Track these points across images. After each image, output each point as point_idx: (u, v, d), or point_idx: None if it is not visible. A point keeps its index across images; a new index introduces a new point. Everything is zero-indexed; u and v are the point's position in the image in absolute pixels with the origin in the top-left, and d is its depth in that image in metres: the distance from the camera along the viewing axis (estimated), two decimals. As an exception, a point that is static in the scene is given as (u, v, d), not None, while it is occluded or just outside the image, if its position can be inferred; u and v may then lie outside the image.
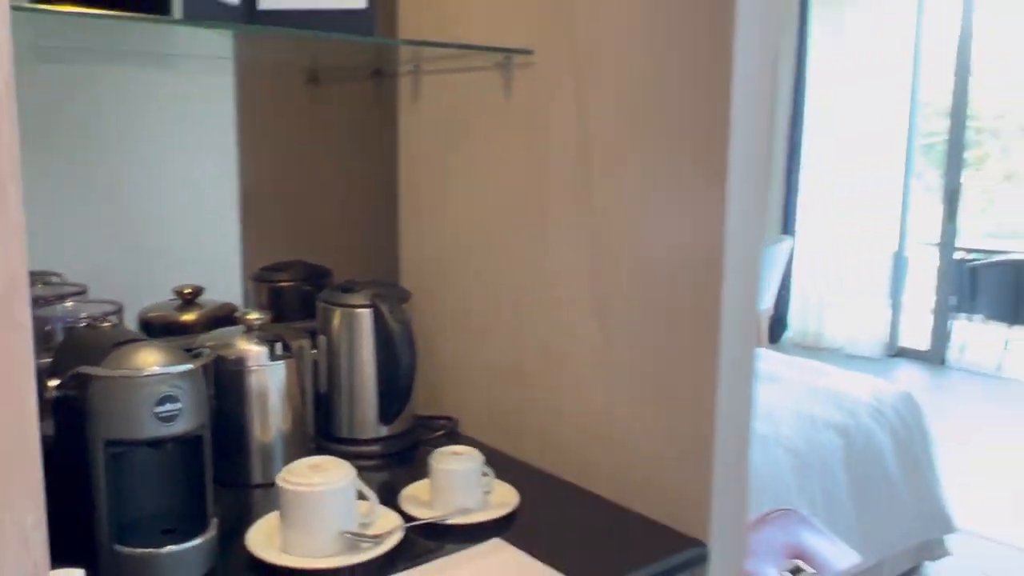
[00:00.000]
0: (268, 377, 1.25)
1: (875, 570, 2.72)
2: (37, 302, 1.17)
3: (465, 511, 1.13)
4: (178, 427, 0.96)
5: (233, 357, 1.23)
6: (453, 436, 1.45)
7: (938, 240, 5.97)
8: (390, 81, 1.59)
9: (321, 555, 1.00)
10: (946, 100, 5.76)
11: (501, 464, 1.22)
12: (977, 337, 6.02)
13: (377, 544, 1.03)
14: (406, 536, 1.06)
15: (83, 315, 1.17)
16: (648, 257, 1.15)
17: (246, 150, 1.49)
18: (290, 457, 1.17)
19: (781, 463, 2.49)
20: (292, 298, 1.50)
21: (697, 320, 1.09)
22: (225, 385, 1.23)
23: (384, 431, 1.38)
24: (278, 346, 1.26)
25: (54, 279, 1.25)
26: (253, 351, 1.24)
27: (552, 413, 1.31)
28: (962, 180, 5.80)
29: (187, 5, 1.00)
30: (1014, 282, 5.80)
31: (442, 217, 1.51)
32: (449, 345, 1.50)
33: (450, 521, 1.11)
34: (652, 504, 1.16)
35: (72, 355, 0.99)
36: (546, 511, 1.19)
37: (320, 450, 1.29)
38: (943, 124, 5.83)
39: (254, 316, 1.26)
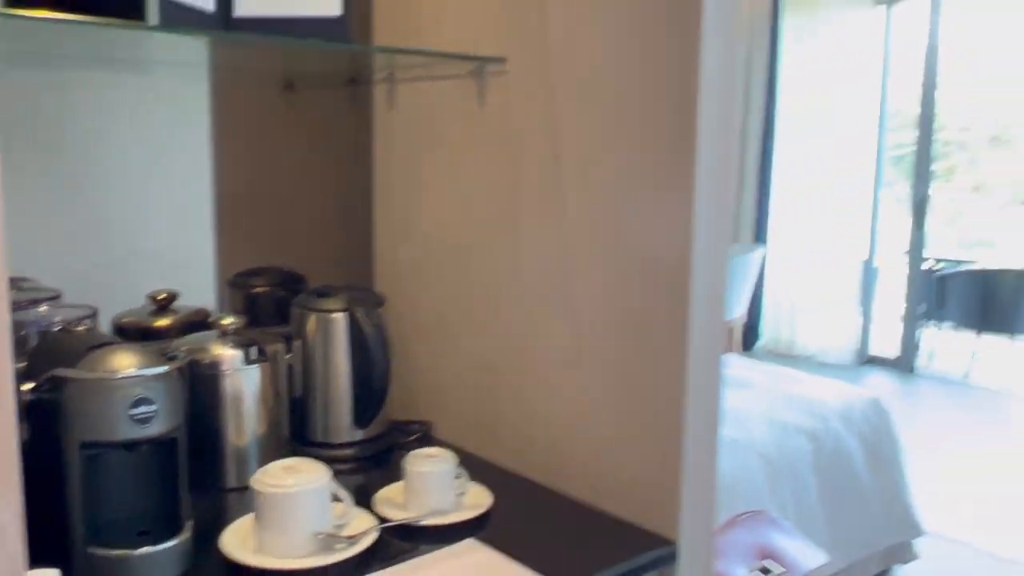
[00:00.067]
0: (243, 381, 1.26)
1: (845, 573, 2.76)
2: (11, 306, 1.17)
3: (439, 512, 1.14)
4: (153, 429, 0.97)
5: (208, 361, 1.24)
6: (427, 440, 1.46)
7: (907, 249, 6.06)
8: (365, 89, 1.60)
9: (295, 556, 1.01)
10: (915, 111, 5.85)
11: (475, 467, 1.23)
12: (945, 345, 6.11)
13: (351, 545, 1.04)
14: (380, 537, 1.07)
15: (57, 319, 1.17)
16: (618, 263, 1.17)
17: (221, 157, 1.50)
18: (265, 461, 1.17)
19: (753, 468, 2.52)
20: (267, 304, 1.50)
21: (665, 325, 1.11)
22: (200, 389, 1.23)
23: (359, 435, 1.39)
24: (253, 350, 1.26)
25: (26, 284, 1.25)
26: (228, 355, 1.25)
27: (525, 416, 1.33)
28: (931, 191, 5.90)
29: (163, 12, 1.01)
30: (982, 291, 5.90)
31: (416, 223, 1.53)
32: (423, 350, 1.52)
33: (424, 522, 1.12)
34: (622, 504, 1.18)
35: (46, 359, 1.00)
36: (519, 512, 1.21)
37: (295, 454, 1.29)
38: (912, 135, 5.93)
39: (229, 321, 1.27)
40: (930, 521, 3.10)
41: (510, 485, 1.28)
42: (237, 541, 1.04)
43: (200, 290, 1.48)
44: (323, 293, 1.39)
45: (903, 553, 3.04)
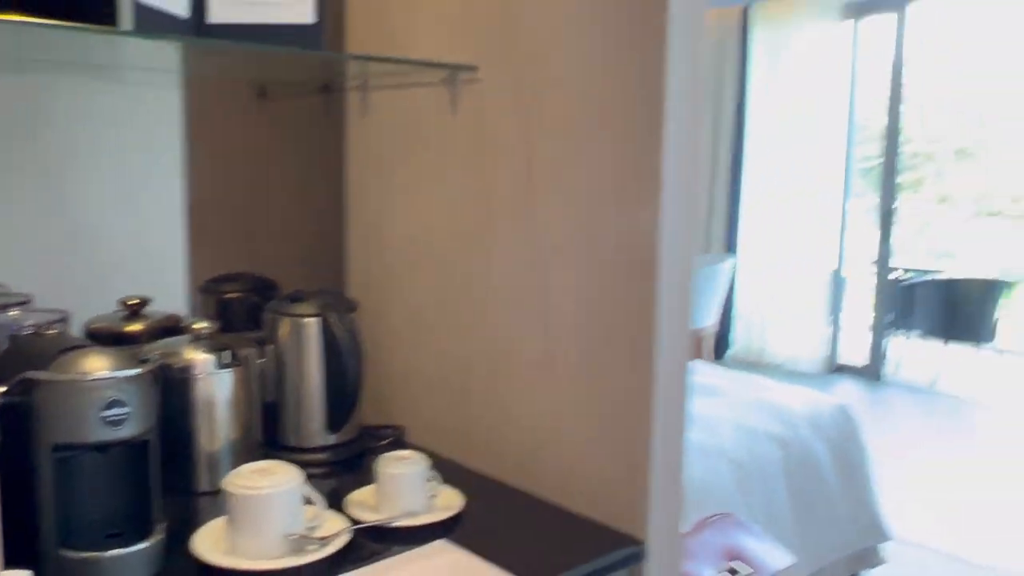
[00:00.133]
0: (215, 385, 1.26)
1: (814, 578, 2.79)
2: (-19, 310, 1.17)
3: (411, 514, 1.15)
4: (125, 431, 0.97)
5: (180, 365, 1.24)
6: (400, 444, 1.46)
7: (875, 260, 6.15)
8: (338, 96, 1.61)
9: (267, 557, 1.02)
10: (883, 124, 5.95)
11: (447, 470, 1.24)
12: (913, 353, 6.20)
13: (323, 546, 1.04)
14: (352, 539, 1.08)
15: (28, 323, 1.17)
16: (589, 269, 1.19)
17: (194, 163, 1.51)
18: (237, 465, 1.17)
19: (723, 473, 2.55)
20: (239, 309, 1.51)
21: (634, 330, 1.13)
22: (172, 393, 1.23)
23: (331, 439, 1.40)
24: (225, 355, 1.27)
25: (-3, 289, 1.24)
26: (200, 359, 1.25)
27: (497, 420, 1.34)
28: (898, 202, 5.99)
29: (136, 17, 1.02)
30: (948, 300, 6.00)
31: (389, 230, 1.54)
32: (396, 355, 1.53)
33: (396, 524, 1.13)
34: (593, 505, 1.19)
35: (18, 362, 1.00)
36: (490, 513, 1.22)
37: (267, 458, 1.29)
38: (880, 147, 6.02)
39: (201, 325, 1.27)
40: (896, 527, 3.15)
41: (482, 487, 1.29)
42: (209, 543, 1.05)
43: (172, 296, 1.48)
44: (296, 298, 1.40)
45: (870, 558, 3.08)
